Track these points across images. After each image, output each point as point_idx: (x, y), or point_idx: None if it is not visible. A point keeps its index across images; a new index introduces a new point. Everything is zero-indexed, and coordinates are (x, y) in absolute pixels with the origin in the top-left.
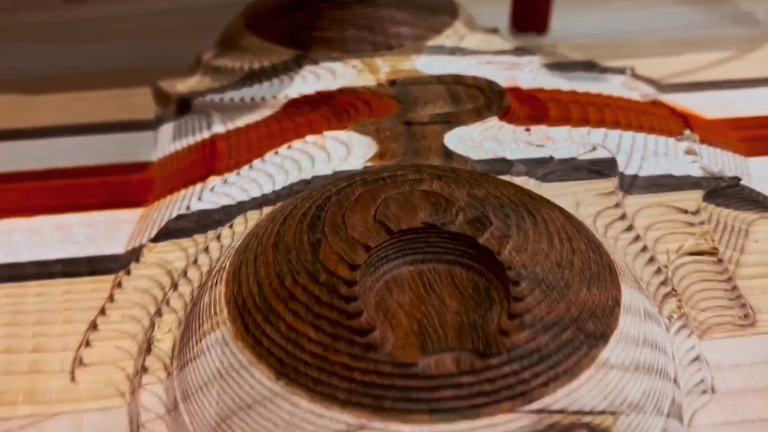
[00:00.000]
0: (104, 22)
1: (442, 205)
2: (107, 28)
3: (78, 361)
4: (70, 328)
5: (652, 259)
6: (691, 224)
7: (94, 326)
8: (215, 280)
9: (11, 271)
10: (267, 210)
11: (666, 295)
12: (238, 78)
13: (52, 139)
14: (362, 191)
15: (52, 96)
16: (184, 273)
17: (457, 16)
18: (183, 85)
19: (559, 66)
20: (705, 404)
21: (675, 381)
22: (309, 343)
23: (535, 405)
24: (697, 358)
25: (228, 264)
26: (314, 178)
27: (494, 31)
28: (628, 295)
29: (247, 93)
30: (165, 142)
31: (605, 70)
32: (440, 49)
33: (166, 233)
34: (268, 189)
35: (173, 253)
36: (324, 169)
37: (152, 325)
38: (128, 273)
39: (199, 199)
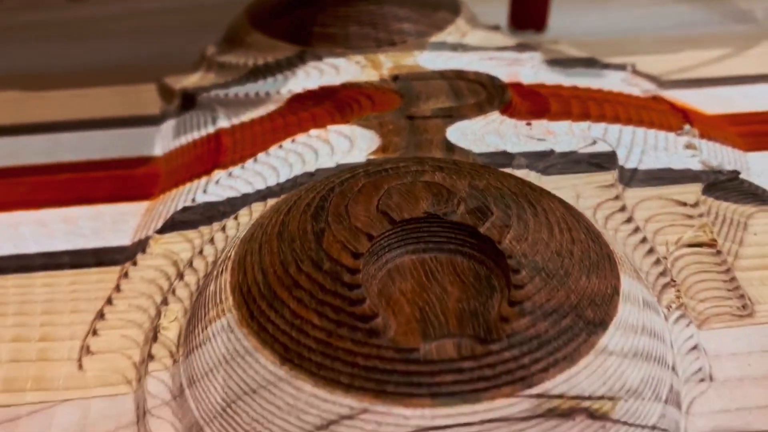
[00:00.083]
0: (109, 21)
1: (444, 196)
2: (112, 26)
3: (85, 350)
4: (77, 318)
5: (651, 251)
6: (690, 216)
7: (101, 315)
8: (221, 269)
9: (19, 263)
10: (271, 202)
11: (665, 286)
12: (242, 74)
13: (58, 134)
14: (365, 182)
15: (58, 92)
16: (190, 263)
17: (460, 13)
18: (188, 81)
19: (561, 62)
20: (703, 392)
21: (673, 369)
22: (313, 329)
23: (535, 390)
24: (695, 347)
25: (233, 253)
26: (318, 170)
27: (496, 28)
28: (627, 284)
29: (251, 88)
30: (170, 137)
31: (606, 67)
32: (442, 45)
33: (172, 225)
34: (272, 182)
35: (179, 244)
36: (327, 162)
37: (158, 314)
38: (135, 264)
39: (205, 191)
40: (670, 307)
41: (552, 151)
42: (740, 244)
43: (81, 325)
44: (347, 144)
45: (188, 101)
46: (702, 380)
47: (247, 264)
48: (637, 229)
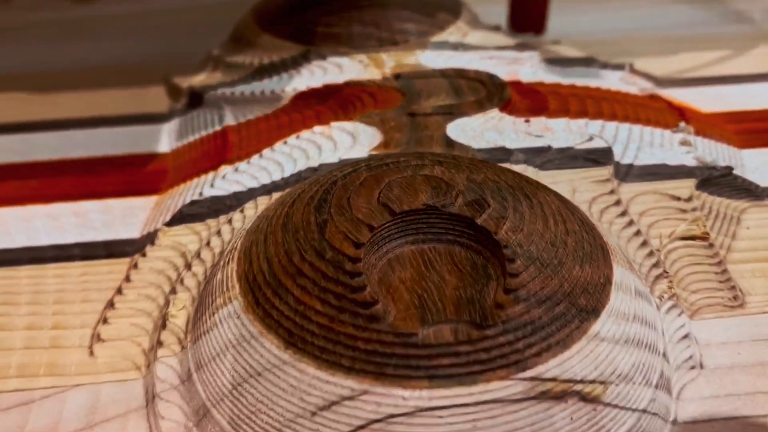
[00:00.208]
0: (116, 20)
1: (443, 189)
2: (119, 25)
3: (96, 337)
4: (88, 307)
5: (645, 243)
6: (684, 211)
7: (111, 305)
8: (227, 259)
9: (31, 254)
10: (276, 196)
11: (658, 277)
12: (248, 73)
13: (68, 132)
14: (367, 176)
15: (68, 90)
16: (198, 254)
17: (461, 14)
18: (195, 80)
19: (560, 61)
20: (693, 379)
21: (664, 356)
22: (316, 315)
23: (529, 373)
24: (686, 336)
25: (239, 244)
26: (321, 165)
27: (497, 28)
28: (619, 274)
29: (257, 87)
30: (178, 134)
31: (604, 66)
32: (444, 45)
33: (180, 218)
34: (277, 176)
35: (187, 236)
36: (330, 157)
37: (167, 303)
38: (144, 255)
39: (212, 186)
40: (663, 297)
41: (549, 147)
42: (733, 238)
43: (92, 314)
44: (350, 140)
45: (195, 99)
46: (693, 368)
47: (253, 254)
48: (631, 222)
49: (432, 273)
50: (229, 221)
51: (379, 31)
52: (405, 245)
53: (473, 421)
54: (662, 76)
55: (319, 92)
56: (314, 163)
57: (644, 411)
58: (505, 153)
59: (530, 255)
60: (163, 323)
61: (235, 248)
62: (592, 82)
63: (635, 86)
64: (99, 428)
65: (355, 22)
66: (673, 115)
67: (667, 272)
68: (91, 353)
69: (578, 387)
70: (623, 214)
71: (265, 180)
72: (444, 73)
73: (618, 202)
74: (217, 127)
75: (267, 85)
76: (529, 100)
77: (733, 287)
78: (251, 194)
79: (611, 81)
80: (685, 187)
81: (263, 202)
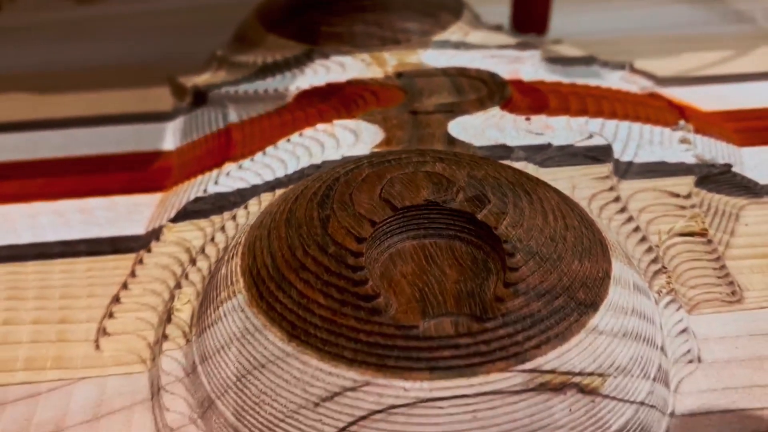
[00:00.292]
0: (119, 21)
1: (444, 185)
2: (122, 26)
3: (102, 331)
4: (94, 302)
5: (644, 239)
6: (683, 207)
7: (117, 299)
8: (231, 254)
9: (38, 250)
10: (280, 192)
11: (656, 272)
12: (251, 71)
13: (73, 130)
14: (369, 172)
15: (73, 90)
16: (202, 250)
17: (463, 14)
18: (199, 79)
19: (560, 60)
20: (691, 372)
21: (662, 349)
22: (318, 308)
23: (528, 365)
24: (684, 331)
25: (243, 239)
26: (324, 162)
27: (498, 28)
28: (618, 268)
29: (260, 85)
30: (182, 132)
31: (605, 65)
32: (445, 44)
33: (185, 214)
34: (280, 173)
35: (191, 232)
36: (333, 154)
37: (172, 298)
38: (149, 251)
39: (216, 183)
40: (661, 292)
41: (549, 145)
42: (732, 235)
43: (98, 309)
44: (352, 138)
45: (199, 98)
46: (690, 361)
47: (257, 249)
48: (630, 219)
49: (433, 267)
50: (233, 218)
51: (382, 31)
52: (406, 240)
53: (473, 412)
54: (662, 75)
55: (322, 91)
56: (317, 161)
57: (642, 403)
58: (505, 150)
59: (530, 250)
60: (168, 317)
61: (239, 243)
62: (593, 81)
63: (635, 85)
64: (105, 420)
65: (358, 21)
66: (672, 114)
67: (665, 268)
68: (97, 347)
69: (577, 379)
70: (622, 210)
71: (269, 177)
72: (445, 72)
73: (617, 199)
74: (221, 126)
75: (270, 83)
76: (529, 98)
77: (731, 283)
78: (255, 191)
79: (611, 80)
80: (685, 184)
81: (267, 198)
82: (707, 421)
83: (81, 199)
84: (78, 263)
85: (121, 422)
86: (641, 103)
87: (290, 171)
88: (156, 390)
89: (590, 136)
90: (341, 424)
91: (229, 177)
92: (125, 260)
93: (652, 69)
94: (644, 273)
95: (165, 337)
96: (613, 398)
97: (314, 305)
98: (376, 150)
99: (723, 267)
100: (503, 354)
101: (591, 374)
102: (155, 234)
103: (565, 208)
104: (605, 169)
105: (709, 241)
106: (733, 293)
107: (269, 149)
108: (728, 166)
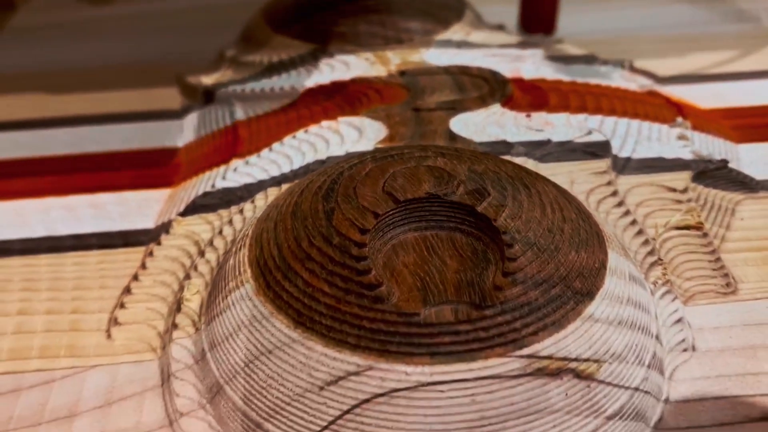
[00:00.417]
0: (126, 21)
1: (445, 178)
2: (130, 26)
3: (113, 321)
4: (106, 293)
5: (640, 232)
6: (680, 201)
7: (127, 290)
8: (239, 246)
9: (50, 243)
10: (285, 187)
11: (652, 264)
12: (258, 70)
13: (84, 127)
14: (372, 166)
15: (83, 88)
16: (210, 242)
17: (465, 14)
18: (207, 78)
19: (561, 59)
20: (686, 361)
21: (657, 338)
22: (323, 296)
23: (525, 351)
24: (679, 321)
25: (251, 231)
26: (329, 158)
27: (500, 27)
28: (614, 259)
29: (266, 84)
30: (190, 130)
31: (605, 63)
32: (448, 43)
33: (194, 208)
34: (286, 169)
35: (200, 225)
36: (338, 150)
37: (181, 288)
38: (159, 243)
39: (224, 178)
40: (656, 283)
41: (549, 141)
42: (727, 228)
43: (109, 300)
44: (356, 134)
45: (207, 96)
46: (685, 350)
47: (264, 240)
48: (627, 212)
49: (434, 257)
50: (241, 211)
51: (385, 30)
52: (408, 231)
53: (472, 396)
54: (662, 74)
55: (326, 89)
56: (322, 156)
57: (637, 389)
58: (506, 146)
59: (528, 240)
60: (177, 307)
61: (247, 235)
62: (593, 80)
63: (635, 83)
64: (117, 406)
65: (362, 21)
66: (670, 111)
67: (661, 260)
68: (109, 336)
69: (573, 365)
70: (620, 204)
71: (275, 172)
72: (448, 70)
73: (615, 193)
74: (228, 123)
75: (276, 82)
76: (530, 95)
77: (726, 275)
78: (261, 186)
79: (611, 78)
80: (681, 179)
81: (273, 193)
82: (700, 407)
83: (92, 195)
84: (90, 256)
85: (132, 407)
86: (640, 100)
87: (296, 166)
88: (166, 377)
89: (589, 133)
90: (345, 407)
91: (237, 172)
92: (136, 253)
93: (652, 68)
94: (640, 265)
95: (175, 326)
96: (609, 384)
97: (319, 293)
98: (379, 146)
99: (718, 260)
100: (501, 340)
101: (587, 360)
102: (165, 227)
103: (563, 201)
104: (603, 164)
105: (705, 235)
106: (728, 285)
107: (275, 145)
108: (725, 162)
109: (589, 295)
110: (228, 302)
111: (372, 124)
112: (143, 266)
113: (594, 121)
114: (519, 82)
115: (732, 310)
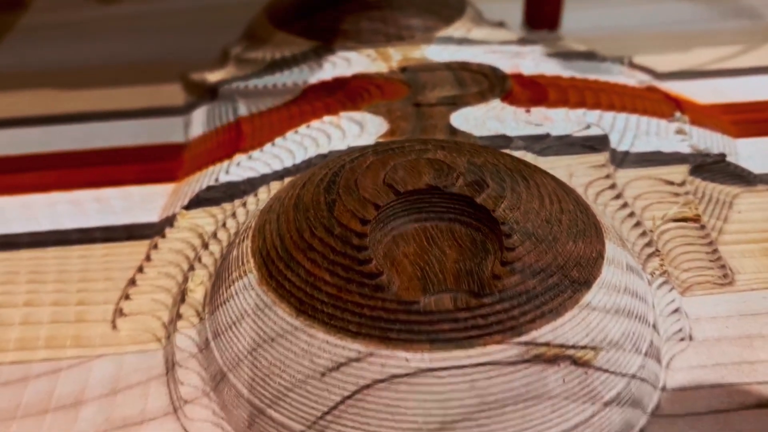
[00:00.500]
0: (131, 20)
1: (445, 171)
2: (135, 25)
3: (118, 312)
4: (111, 285)
5: (638, 224)
6: (677, 194)
7: (132, 282)
8: (242, 237)
9: (56, 237)
10: (288, 180)
11: (650, 255)
12: (261, 67)
13: (89, 124)
14: (373, 159)
15: (89, 86)
16: (214, 235)
17: (466, 11)
18: (210, 75)
19: (561, 55)
20: (683, 350)
21: (654, 327)
22: (325, 285)
23: (523, 338)
24: (677, 310)
25: (254, 223)
26: (331, 152)
27: (500, 24)
28: (611, 250)
29: (269, 80)
30: (194, 126)
31: (604, 60)
32: (449, 40)
33: (197, 202)
34: (288, 163)
35: (204, 218)
36: (339, 145)
37: (186, 280)
38: (163, 236)
39: (227, 172)
40: (654, 274)
41: (548, 135)
42: (725, 221)
43: (114, 291)
44: (358, 129)
45: (211, 93)
46: (682, 339)
47: (266, 231)
48: (625, 205)
49: (434, 248)
50: (244, 204)
51: (386, 27)
52: (409, 223)
53: (471, 382)
54: (661, 70)
55: (328, 85)
56: (324, 150)
57: (633, 376)
58: (505, 140)
59: (526, 231)
60: (182, 298)
61: (250, 227)
62: (592, 75)
63: (634, 79)
64: (122, 394)
65: (363, 18)
66: (669, 106)
67: (659, 251)
68: (114, 326)
69: (570, 352)
70: (618, 197)
71: (277, 166)
72: (448, 66)
73: (613, 186)
74: (232, 119)
75: (279, 78)
76: (530, 91)
77: (722, 266)
78: (264, 180)
79: (611, 74)
80: (679, 172)
81: (276, 187)
82: (697, 395)
83: (97, 189)
84: (95, 249)
85: (137, 395)
86: (638, 95)
87: (298, 161)
88: (171, 365)
89: (588, 127)
90: (346, 393)
91: (240, 167)
92: (140, 246)
93: (651, 64)
94: (638, 256)
95: (179, 316)
96: (605, 371)
97: (321, 282)
98: (380, 140)
99: (715, 251)
100: (500, 327)
101: (584, 347)
102: (169, 221)
103: (561, 193)
104: (602, 157)
105: (703, 227)
106: (725, 276)
107: (278, 140)
108: (722, 155)
109: (586, 284)
110: (231, 292)
111: (373, 119)
112: (148, 258)
113: (593, 115)
114: (518, 77)
115: (729, 301)
